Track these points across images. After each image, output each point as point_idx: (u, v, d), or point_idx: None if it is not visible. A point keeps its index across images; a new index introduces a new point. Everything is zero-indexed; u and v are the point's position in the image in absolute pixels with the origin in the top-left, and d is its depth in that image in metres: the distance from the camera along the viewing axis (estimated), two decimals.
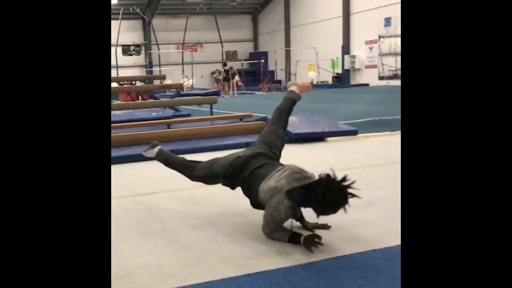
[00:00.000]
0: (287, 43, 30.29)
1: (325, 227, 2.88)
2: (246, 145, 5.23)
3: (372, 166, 4.85)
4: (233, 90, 22.07)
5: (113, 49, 24.23)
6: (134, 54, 31.21)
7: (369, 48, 24.10)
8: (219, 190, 3.45)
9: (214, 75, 28.04)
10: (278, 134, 3.27)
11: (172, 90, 16.09)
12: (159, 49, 28.02)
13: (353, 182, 2.42)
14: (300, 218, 2.93)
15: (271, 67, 29.57)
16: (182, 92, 15.68)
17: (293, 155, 5.51)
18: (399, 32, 21.73)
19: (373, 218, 3.12)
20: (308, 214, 2.78)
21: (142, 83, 20.69)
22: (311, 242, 2.59)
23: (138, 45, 31.23)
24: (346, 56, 25.01)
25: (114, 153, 5.38)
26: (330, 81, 25.53)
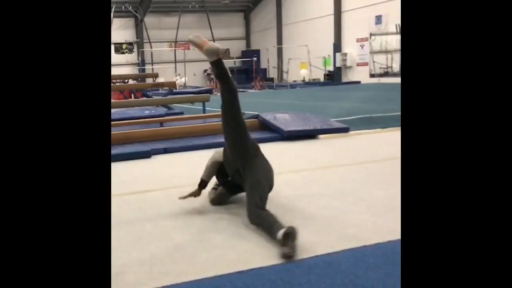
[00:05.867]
0: (279, 41, 30.32)
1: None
2: None
3: (363, 163, 4.87)
4: None
5: None
6: (126, 52, 31.09)
7: (360, 46, 24.18)
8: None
9: (207, 73, 27.97)
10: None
11: (165, 88, 16.09)
12: (151, 47, 27.95)
13: None
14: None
15: (263, 65, 29.60)
16: (174, 90, 15.67)
17: (285, 152, 5.54)
18: (389, 30, 21.83)
19: (364, 214, 3.14)
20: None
21: (135, 81, 20.66)
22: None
23: (130, 43, 31.12)
24: (337, 54, 25.10)
25: None
26: (322, 79, 25.60)
